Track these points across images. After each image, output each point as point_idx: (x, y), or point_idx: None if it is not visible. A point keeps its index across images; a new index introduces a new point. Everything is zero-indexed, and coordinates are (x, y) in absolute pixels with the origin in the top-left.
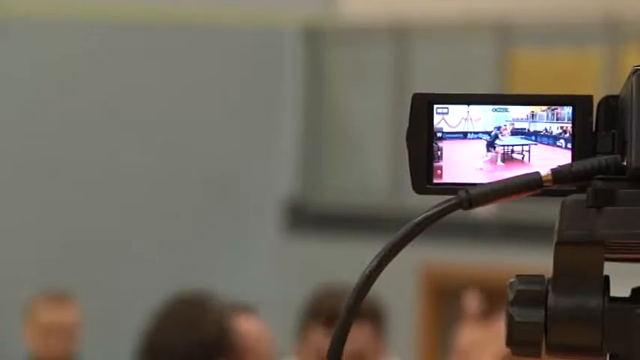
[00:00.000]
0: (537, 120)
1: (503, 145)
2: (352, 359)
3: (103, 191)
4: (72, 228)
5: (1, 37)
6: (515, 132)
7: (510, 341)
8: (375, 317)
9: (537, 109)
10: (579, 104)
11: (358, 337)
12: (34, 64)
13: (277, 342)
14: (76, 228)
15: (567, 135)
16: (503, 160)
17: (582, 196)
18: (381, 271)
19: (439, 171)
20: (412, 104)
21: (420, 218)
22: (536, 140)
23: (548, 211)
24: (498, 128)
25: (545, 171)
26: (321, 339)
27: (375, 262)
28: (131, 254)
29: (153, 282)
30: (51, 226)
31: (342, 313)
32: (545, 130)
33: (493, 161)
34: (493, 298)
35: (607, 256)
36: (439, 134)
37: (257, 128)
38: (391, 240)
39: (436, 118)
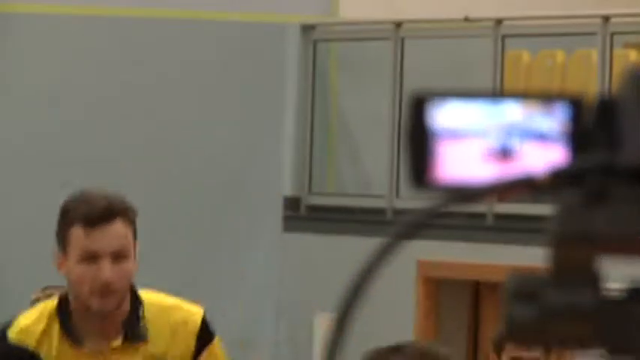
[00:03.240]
0: (534, 118)
1: (500, 143)
2: (114, 258)
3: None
4: None
5: (6, 31)
6: (511, 130)
7: (506, 336)
8: (126, 213)
9: (534, 107)
10: (575, 103)
11: (117, 234)
12: (39, 59)
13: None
14: None
15: (563, 133)
16: (500, 157)
17: (578, 194)
18: (378, 267)
19: (436, 168)
20: (409, 102)
21: (417, 215)
22: (532, 138)
23: (544, 208)
24: (495, 126)
25: (541, 169)
26: (82, 238)
27: (372, 259)
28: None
29: (156, 280)
30: (55, 224)
31: (341, 307)
32: (542, 128)
33: (489, 159)
34: (489, 292)
35: (602, 252)
36: (436, 132)
37: (258, 127)
38: (388, 238)
39: (433, 117)
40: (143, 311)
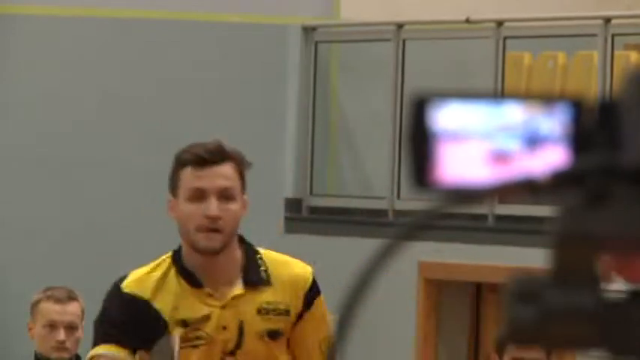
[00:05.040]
0: (535, 119)
1: (501, 144)
2: (220, 197)
3: (107, 190)
4: (76, 227)
5: (6, 32)
6: (512, 131)
7: (508, 336)
8: (236, 159)
9: (535, 108)
10: (576, 104)
11: (224, 175)
12: (39, 60)
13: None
14: (80, 227)
15: (564, 134)
16: (501, 158)
17: (578, 195)
18: (379, 268)
19: (437, 170)
20: (410, 104)
21: (418, 217)
22: (533, 139)
23: (545, 209)
24: (496, 127)
25: (542, 170)
26: (190, 178)
27: (373, 260)
28: (135, 253)
29: None
30: (55, 224)
31: (343, 308)
32: (543, 129)
33: (490, 160)
34: (490, 293)
35: (602, 253)
36: (437, 133)
37: (259, 129)
38: (389, 239)
39: (434, 118)
40: (262, 260)
